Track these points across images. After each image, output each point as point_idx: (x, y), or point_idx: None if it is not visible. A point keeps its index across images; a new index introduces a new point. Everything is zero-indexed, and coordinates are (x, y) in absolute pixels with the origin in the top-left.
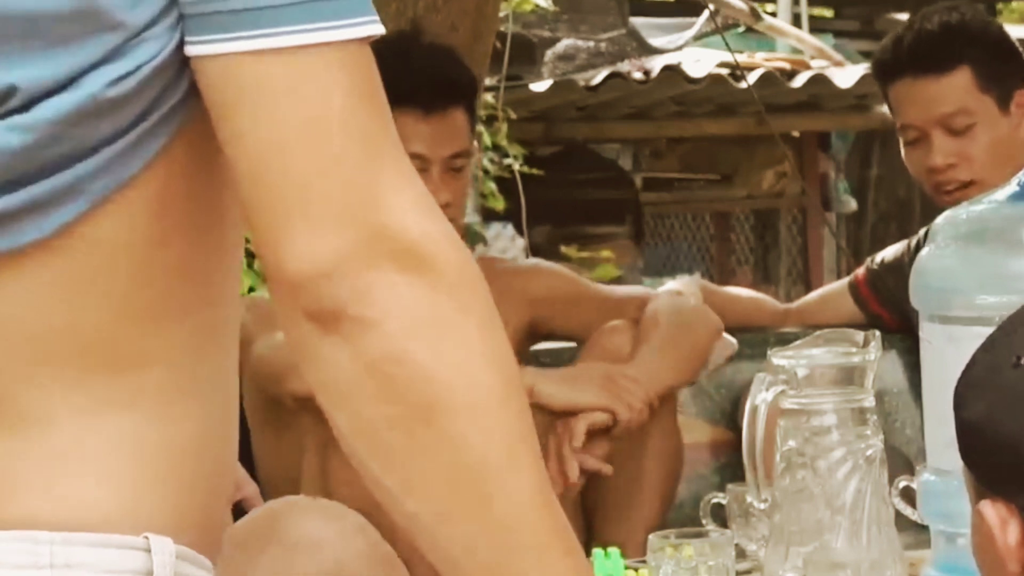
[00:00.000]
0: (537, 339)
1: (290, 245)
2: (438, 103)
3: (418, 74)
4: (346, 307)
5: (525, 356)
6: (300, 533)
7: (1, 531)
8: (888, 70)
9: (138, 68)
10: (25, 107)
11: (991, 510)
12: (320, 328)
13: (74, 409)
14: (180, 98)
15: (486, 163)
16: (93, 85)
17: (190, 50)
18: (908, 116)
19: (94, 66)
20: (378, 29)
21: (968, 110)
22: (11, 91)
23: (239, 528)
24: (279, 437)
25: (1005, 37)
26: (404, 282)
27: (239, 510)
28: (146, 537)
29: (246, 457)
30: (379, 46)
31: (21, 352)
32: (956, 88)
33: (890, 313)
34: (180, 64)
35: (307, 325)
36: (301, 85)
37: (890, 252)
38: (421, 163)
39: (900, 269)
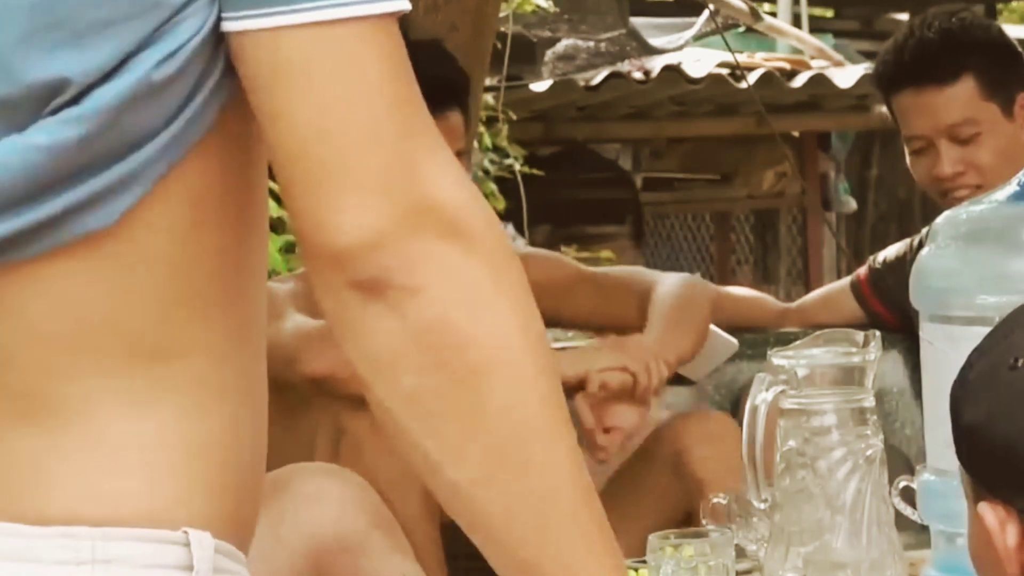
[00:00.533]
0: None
1: (335, 218)
2: (432, 106)
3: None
4: (392, 276)
5: None
6: (306, 488)
7: (42, 527)
8: (890, 80)
9: (181, 47)
10: (76, 99)
11: (990, 512)
12: (365, 297)
13: (114, 401)
14: (219, 77)
15: (486, 164)
16: (141, 68)
17: (227, 26)
18: (913, 127)
19: (140, 48)
20: (406, 5)
21: (973, 119)
22: (63, 84)
23: None
24: (289, 428)
25: (1006, 41)
26: (445, 251)
27: None
28: (185, 532)
29: None
30: None
31: (62, 344)
32: (960, 97)
33: (892, 312)
34: (217, 42)
35: (351, 296)
36: (338, 59)
37: (892, 251)
38: None
39: (902, 268)
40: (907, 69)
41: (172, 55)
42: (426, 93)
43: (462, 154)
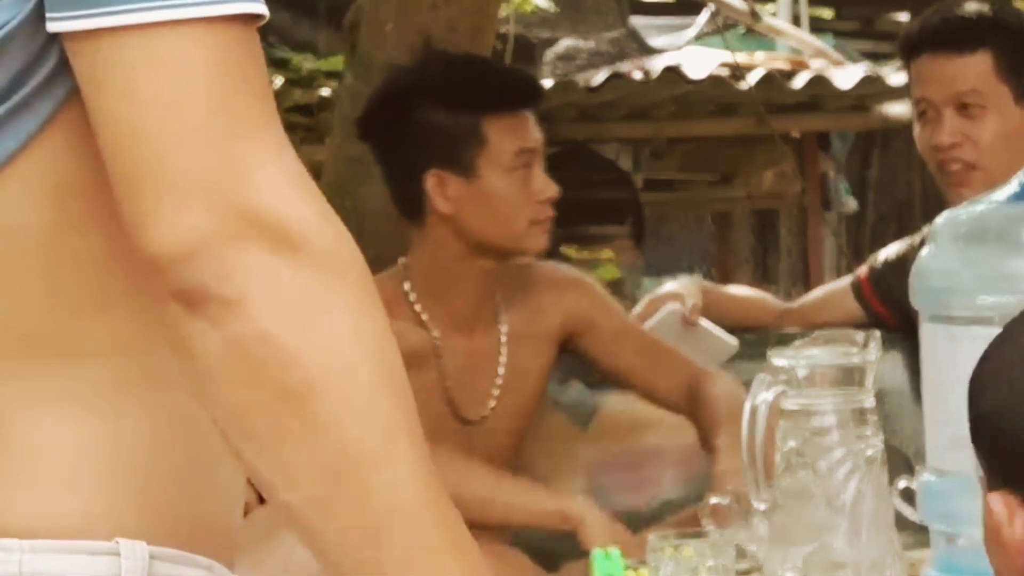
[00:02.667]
0: (564, 352)
1: (153, 225)
2: (531, 101)
3: (513, 77)
4: (210, 287)
5: (555, 367)
6: None
7: None
8: (912, 45)
9: None
10: None
11: (999, 502)
12: (187, 310)
13: (24, 406)
14: (54, 70)
15: None
16: None
17: (50, 26)
18: (923, 90)
19: None
20: (252, 8)
21: (981, 92)
22: None
23: (239, 530)
24: None
25: None
26: (270, 262)
27: None
28: (116, 542)
29: None
30: (457, 61)
31: None
32: (973, 69)
33: (892, 312)
34: (47, 37)
35: (174, 307)
36: (162, 62)
37: (893, 251)
38: (532, 157)
39: (902, 268)
40: (930, 34)
41: None
42: (525, 89)
43: (534, 151)
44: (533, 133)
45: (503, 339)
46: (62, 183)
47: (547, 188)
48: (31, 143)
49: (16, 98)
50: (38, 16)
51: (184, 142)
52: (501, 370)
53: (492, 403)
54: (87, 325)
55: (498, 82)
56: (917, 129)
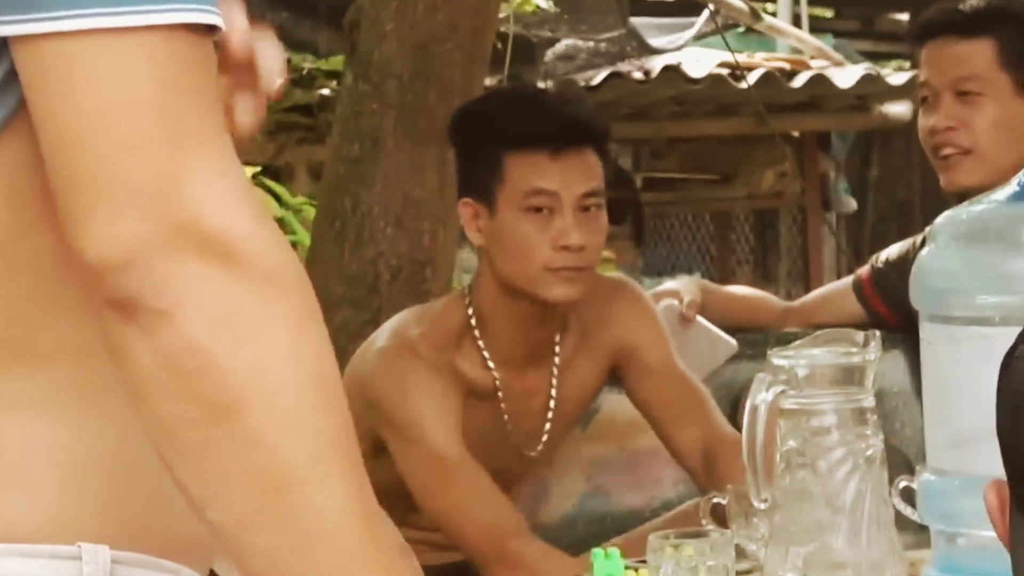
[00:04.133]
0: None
1: (88, 232)
2: (569, 142)
3: (548, 114)
4: (142, 297)
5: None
6: None
7: None
8: (923, 31)
9: None
10: None
11: (991, 493)
12: (120, 318)
13: None
14: (4, 76)
15: None
16: None
17: None
18: (926, 75)
19: None
20: (200, 18)
21: (981, 78)
22: None
23: None
24: None
25: None
26: (206, 273)
27: None
28: (79, 546)
29: None
30: (509, 94)
31: None
32: (975, 55)
33: (893, 312)
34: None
35: (108, 315)
36: (101, 69)
37: (894, 251)
38: (552, 200)
39: (904, 268)
40: (939, 19)
41: None
42: (563, 130)
43: (595, 194)
44: (560, 176)
45: (555, 371)
46: (16, 190)
47: (567, 236)
48: None
49: None
50: None
51: (123, 150)
52: (552, 403)
53: (545, 437)
54: (45, 330)
55: (525, 113)
56: (919, 116)
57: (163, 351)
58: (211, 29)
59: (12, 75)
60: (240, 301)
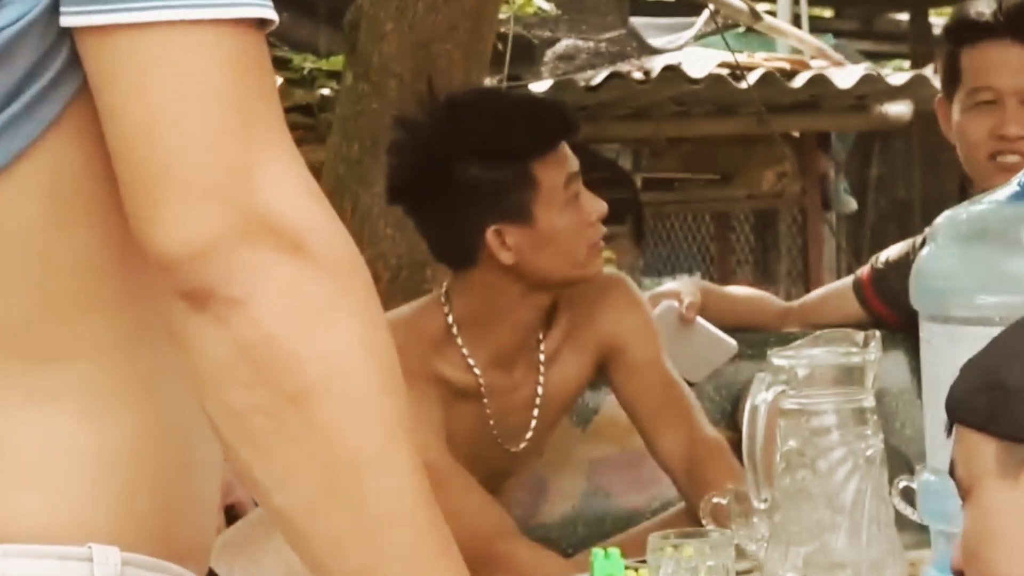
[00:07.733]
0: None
1: (161, 223)
2: (567, 128)
3: (547, 112)
4: (216, 287)
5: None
6: None
7: None
8: (977, 30)
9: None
10: None
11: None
12: (191, 307)
13: (2, 404)
14: (61, 69)
15: None
16: None
17: (64, 20)
18: (988, 78)
19: None
20: (265, 13)
21: None
22: None
23: (237, 530)
24: None
25: None
26: (277, 264)
27: (230, 515)
28: (89, 547)
29: None
30: (490, 106)
31: None
32: None
33: (894, 312)
34: (60, 31)
35: (179, 305)
36: (177, 61)
37: (894, 251)
38: (579, 183)
39: (904, 268)
40: (1004, 20)
41: None
42: (539, 133)
43: (577, 174)
44: (570, 156)
45: (541, 368)
46: (58, 184)
47: (596, 207)
48: (35, 143)
49: (25, 97)
50: (52, 10)
51: (197, 142)
52: (538, 400)
53: (530, 433)
54: (73, 326)
55: (538, 121)
56: (966, 116)
57: (237, 340)
58: (266, 23)
59: (68, 68)
60: (311, 291)
